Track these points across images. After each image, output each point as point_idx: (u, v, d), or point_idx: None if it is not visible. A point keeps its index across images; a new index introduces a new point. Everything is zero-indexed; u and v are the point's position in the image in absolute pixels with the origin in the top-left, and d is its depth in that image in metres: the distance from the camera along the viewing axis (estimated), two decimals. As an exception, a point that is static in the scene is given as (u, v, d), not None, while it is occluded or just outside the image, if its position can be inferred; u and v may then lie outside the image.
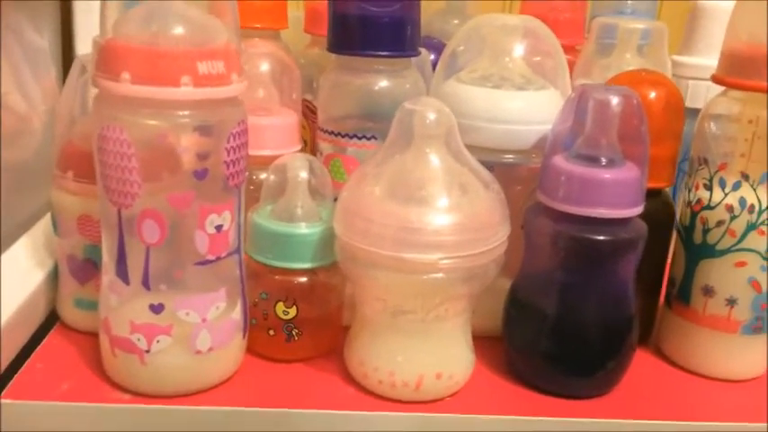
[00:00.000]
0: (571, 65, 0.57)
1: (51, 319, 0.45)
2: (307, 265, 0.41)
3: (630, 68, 0.48)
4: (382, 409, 0.39)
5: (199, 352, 0.37)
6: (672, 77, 0.57)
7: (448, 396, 0.40)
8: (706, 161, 0.42)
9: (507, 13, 0.49)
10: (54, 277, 0.45)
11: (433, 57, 0.52)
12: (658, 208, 0.44)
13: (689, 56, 0.59)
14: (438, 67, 0.45)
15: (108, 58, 0.33)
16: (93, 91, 0.36)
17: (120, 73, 0.32)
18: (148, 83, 0.32)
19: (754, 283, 0.41)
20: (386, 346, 0.39)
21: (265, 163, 0.43)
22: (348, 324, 0.42)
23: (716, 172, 0.41)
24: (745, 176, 0.40)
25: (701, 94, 0.56)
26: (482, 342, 0.43)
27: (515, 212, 0.41)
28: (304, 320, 0.41)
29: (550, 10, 0.59)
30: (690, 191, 0.43)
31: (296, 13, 0.57)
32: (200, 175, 0.35)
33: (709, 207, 0.42)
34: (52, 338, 0.43)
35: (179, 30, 0.33)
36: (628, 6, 0.62)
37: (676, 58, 0.59)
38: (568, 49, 0.58)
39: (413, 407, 0.39)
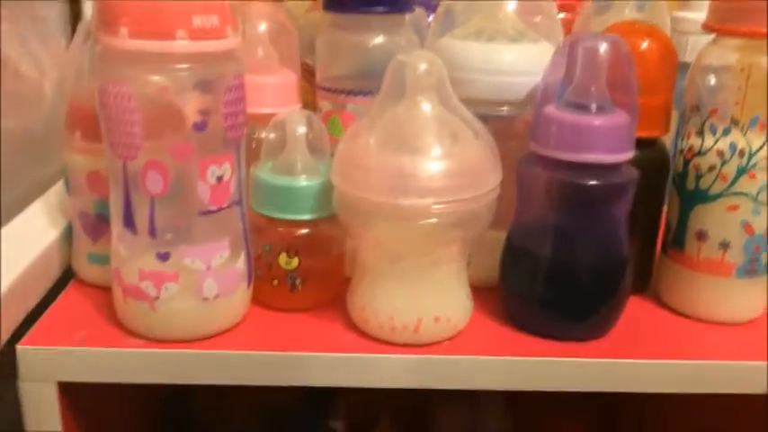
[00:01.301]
0: (571, 22, 0.57)
1: (68, 276, 0.47)
2: (307, 217, 0.42)
3: (629, 22, 0.49)
4: (383, 351, 0.40)
5: (206, 299, 0.39)
6: (672, 33, 0.58)
7: (446, 339, 0.41)
8: (698, 108, 0.43)
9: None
10: (68, 235, 0.46)
11: (430, 18, 0.53)
12: (653, 157, 0.45)
13: (689, 11, 0.59)
14: (432, 25, 0.46)
15: (107, 14, 0.34)
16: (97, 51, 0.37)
17: (118, 28, 0.34)
18: (145, 37, 0.34)
19: (747, 226, 0.42)
20: (385, 292, 0.40)
21: (266, 121, 0.44)
22: (350, 275, 0.44)
23: (707, 119, 0.42)
24: (735, 122, 0.41)
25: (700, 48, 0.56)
26: (480, 292, 0.44)
27: (511, 167, 0.42)
28: (306, 270, 0.43)
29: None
30: (683, 139, 0.44)
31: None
32: (200, 127, 0.36)
33: (700, 153, 0.43)
34: (68, 293, 0.45)
35: (175, -16, 0.35)
36: (629, -37, 0.62)
37: (677, 14, 0.59)
38: (567, 7, 0.59)
39: (412, 350, 0.40)
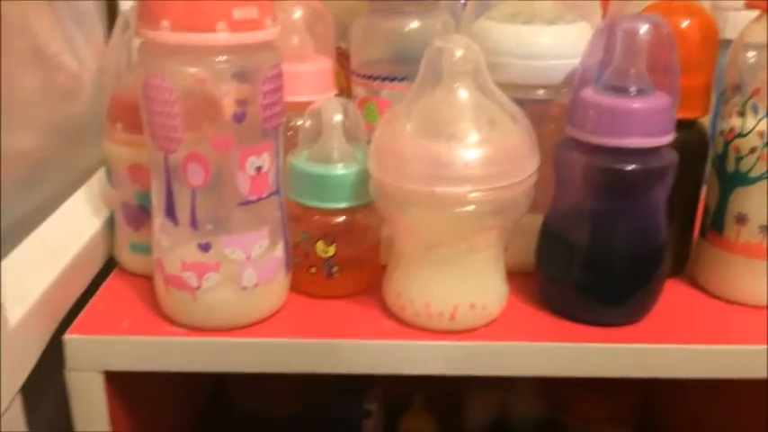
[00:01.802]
0: (606, 4, 0.56)
1: (110, 265, 0.48)
2: (344, 205, 0.42)
3: (666, 1, 0.48)
4: (420, 338, 0.41)
5: (245, 288, 0.40)
6: (711, 9, 0.57)
7: (482, 326, 0.42)
8: (739, 88, 0.42)
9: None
10: (110, 225, 0.47)
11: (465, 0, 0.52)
12: (692, 139, 0.44)
13: (728, -14, 0.57)
14: (469, 6, 0.46)
15: (148, 8, 0.35)
16: (138, 44, 0.38)
17: (159, 21, 0.34)
18: (187, 30, 0.34)
19: (789, 210, 0.41)
20: (421, 279, 0.40)
21: (302, 109, 0.44)
22: (385, 263, 0.44)
23: (749, 99, 0.41)
24: (779, 101, 0.40)
25: (740, 25, 0.55)
26: (516, 278, 0.44)
27: (548, 151, 0.41)
28: (343, 258, 0.43)
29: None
30: (723, 120, 0.43)
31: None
32: (239, 118, 0.37)
33: (741, 135, 0.42)
34: (112, 282, 0.46)
35: (212, -23, 0.35)
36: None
37: (715, -11, 0.58)
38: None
39: (448, 336, 0.41)
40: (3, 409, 0.34)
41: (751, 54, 0.42)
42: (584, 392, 0.69)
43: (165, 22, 0.34)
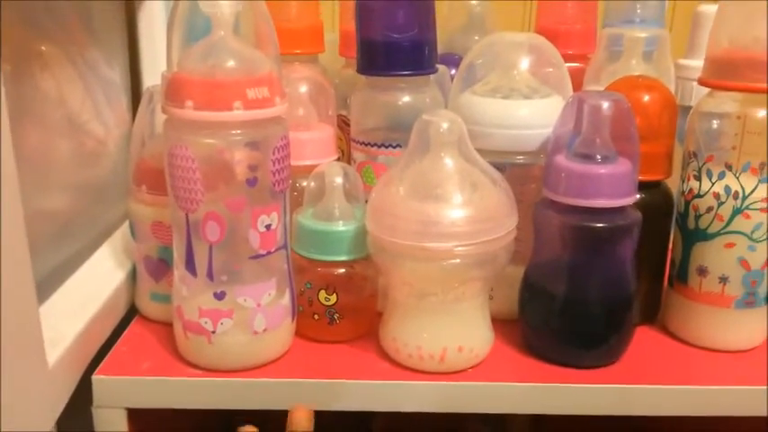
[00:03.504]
0: (583, 71, 0.62)
1: (131, 313, 0.52)
2: (344, 258, 0.47)
3: (635, 73, 0.53)
4: (412, 379, 0.45)
5: (256, 332, 0.44)
6: (677, 79, 0.63)
7: (469, 368, 0.46)
8: (695, 155, 0.47)
9: (516, 32, 0.55)
10: (132, 276, 0.52)
11: (453, 72, 0.58)
12: (658, 198, 0.49)
13: (692, 59, 0.63)
14: (455, 81, 0.52)
15: (174, 90, 0.40)
16: (161, 117, 0.43)
17: (184, 101, 0.40)
18: (207, 108, 0.39)
19: (743, 262, 0.46)
20: (413, 325, 0.45)
21: (306, 172, 0.49)
22: (381, 310, 0.49)
23: (703, 164, 0.46)
24: (729, 167, 0.45)
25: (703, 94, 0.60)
26: (501, 325, 0.49)
27: (530, 207, 0.46)
28: (343, 306, 0.48)
29: (563, 22, 0.65)
30: (683, 182, 0.48)
31: (331, 35, 0.64)
32: (252, 182, 0.42)
33: (699, 195, 0.47)
34: (133, 328, 0.50)
35: (231, 63, 0.40)
36: (637, 15, 0.67)
37: (681, 61, 0.64)
38: (581, 57, 0.63)
39: (439, 377, 0.45)
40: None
41: (705, 124, 0.47)
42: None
43: (189, 102, 0.40)
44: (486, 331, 0.47)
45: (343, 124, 0.59)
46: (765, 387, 0.45)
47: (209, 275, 0.43)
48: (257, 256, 0.43)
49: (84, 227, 0.54)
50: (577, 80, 0.57)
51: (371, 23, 0.48)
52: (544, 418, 0.66)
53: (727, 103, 0.46)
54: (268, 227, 0.43)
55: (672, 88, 0.57)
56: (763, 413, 0.45)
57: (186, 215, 0.42)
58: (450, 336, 0.45)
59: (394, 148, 0.49)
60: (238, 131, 0.41)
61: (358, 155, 0.51)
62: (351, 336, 0.49)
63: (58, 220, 0.50)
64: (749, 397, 0.45)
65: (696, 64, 0.62)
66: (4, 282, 0.34)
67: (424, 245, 0.42)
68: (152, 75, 0.60)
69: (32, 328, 0.38)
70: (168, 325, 0.48)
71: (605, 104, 0.44)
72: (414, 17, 0.48)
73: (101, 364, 0.45)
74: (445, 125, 0.43)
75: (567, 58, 0.52)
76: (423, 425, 0.70)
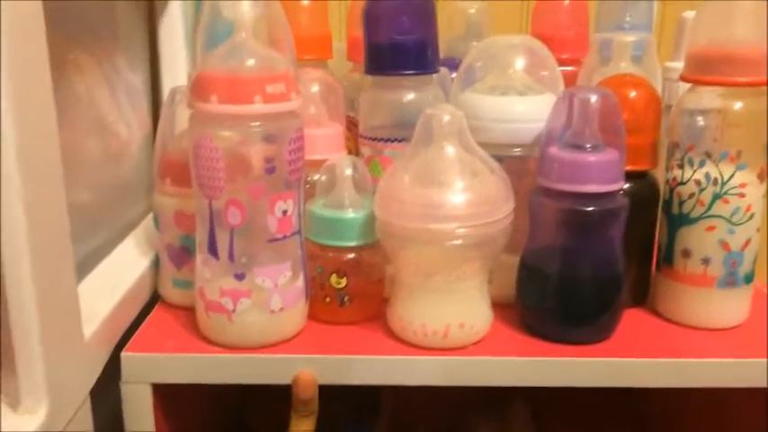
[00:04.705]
0: (576, 74, 0.66)
1: (153, 300, 0.56)
2: (353, 244, 0.51)
3: (624, 73, 0.57)
4: (417, 354, 0.48)
5: (273, 311, 0.48)
6: (664, 81, 0.67)
7: (471, 343, 0.49)
8: (678, 145, 0.51)
9: (512, 35, 0.59)
10: (155, 265, 0.56)
11: (454, 74, 0.62)
12: (644, 187, 0.53)
13: (678, 61, 0.67)
14: (455, 81, 0.56)
15: (200, 86, 0.44)
16: (183, 115, 0.47)
17: (209, 96, 0.43)
18: (230, 102, 0.43)
19: (724, 244, 0.50)
20: (419, 303, 0.49)
21: (318, 166, 0.53)
22: (388, 296, 0.52)
23: (685, 153, 0.50)
24: (708, 155, 0.49)
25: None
26: (500, 307, 0.52)
27: (526, 198, 0.50)
28: (353, 289, 0.51)
29: (557, 28, 0.69)
30: (668, 171, 0.52)
31: (339, 44, 0.68)
32: (270, 171, 0.46)
33: (682, 183, 0.51)
34: (157, 312, 0.54)
35: (251, 62, 0.44)
36: (626, 21, 0.71)
37: (668, 64, 0.68)
38: (574, 61, 0.67)
39: (442, 352, 0.48)
40: (77, 406, 0.42)
41: (687, 117, 0.51)
42: (579, 425, 0.75)
43: (214, 97, 0.43)
44: (485, 310, 0.50)
45: (350, 124, 0.63)
46: (748, 360, 0.48)
47: (231, 257, 0.47)
48: (274, 240, 0.47)
49: (109, 221, 0.57)
50: (570, 83, 0.61)
51: (378, 27, 0.52)
52: (543, 412, 0.70)
53: (707, 97, 0.50)
54: (284, 212, 0.47)
55: (659, 89, 0.61)
56: (745, 385, 0.48)
57: (210, 202, 0.46)
58: (452, 313, 0.48)
59: (399, 142, 0.53)
60: (258, 124, 0.45)
61: (366, 149, 0.55)
62: (360, 317, 0.52)
63: (86, 214, 0.54)
64: (732, 370, 0.48)
65: (681, 66, 0.66)
66: (50, 264, 0.38)
67: (428, 227, 0.46)
68: (171, 79, 0.64)
69: (72, 305, 0.42)
70: (189, 309, 0.51)
71: (594, 98, 0.48)
72: (416, 21, 0.52)
73: (128, 343, 0.49)
74: (447, 117, 0.47)
75: (560, 62, 0.56)
76: (429, 416, 0.74)
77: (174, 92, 0.54)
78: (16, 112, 0.34)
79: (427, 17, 0.52)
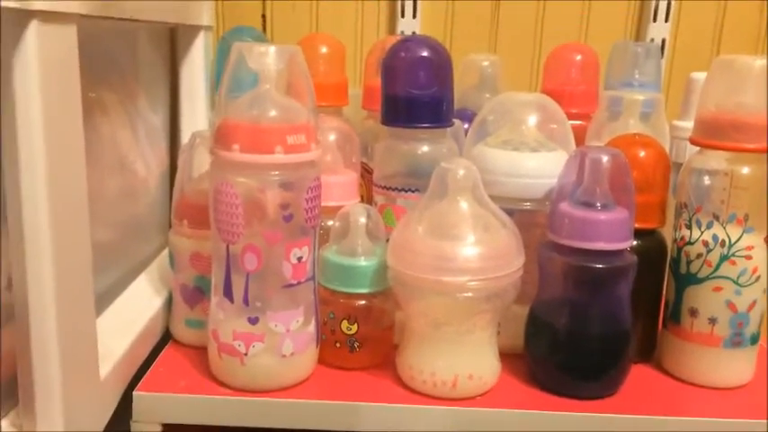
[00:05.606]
0: (585, 129, 0.68)
1: (164, 339, 0.57)
2: (365, 291, 0.52)
3: (633, 132, 0.59)
4: (426, 403, 0.49)
5: (284, 356, 0.48)
6: (672, 139, 0.68)
7: (479, 395, 0.50)
8: (686, 206, 0.52)
9: (525, 92, 0.61)
10: (168, 303, 0.57)
11: (467, 125, 0.63)
12: (653, 245, 0.54)
13: (685, 120, 0.69)
14: (469, 134, 0.57)
15: (223, 134, 0.45)
16: (201, 158, 0.48)
17: (231, 145, 0.45)
18: (252, 151, 0.45)
19: (731, 305, 0.51)
20: (428, 353, 0.49)
21: (332, 212, 0.54)
22: (398, 343, 0.53)
23: (693, 214, 0.51)
24: (716, 217, 0.50)
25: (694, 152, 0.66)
26: (508, 358, 0.53)
27: (535, 251, 0.51)
28: (363, 335, 0.52)
29: (568, 83, 0.71)
30: (676, 230, 0.53)
31: (354, 90, 0.70)
32: (287, 218, 0.47)
33: (690, 243, 0.52)
34: (168, 351, 0.55)
35: (273, 113, 0.46)
36: (635, 80, 0.73)
37: (676, 122, 0.69)
38: (583, 116, 0.69)
39: (451, 402, 0.49)
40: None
41: (695, 179, 0.52)
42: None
43: (236, 146, 0.45)
44: (494, 361, 0.51)
45: (364, 171, 0.65)
46: (751, 420, 0.49)
47: (245, 301, 0.48)
48: (289, 286, 0.48)
49: (124, 258, 0.58)
50: (580, 137, 0.62)
51: (396, 81, 0.54)
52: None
53: (715, 160, 0.51)
54: (299, 259, 0.48)
55: (667, 147, 0.63)
56: (747, 445, 0.49)
57: (227, 246, 0.47)
58: (462, 364, 0.49)
59: (412, 192, 0.54)
60: (278, 173, 0.46)
61: (379, 198, 0.56)
62: (369, 363, 0.53)
63: (103, 250, 0.55)
64: (734, 430, 0.49)
65: (689, 125, 0.67)
66: (73, 304, 0.38)
67: (440, 278, 0.47)
68: (190, 119, 0.66)
69: (91, 344, 0.42)
70: (200, 349, 0.52)
71: (605, 158, 0.49)
72: (433, 77, 0.53)
73: (140, 382, 0.49)
74: (462, 172, 0.48)
75: (570, 117, 0.58)
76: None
77: (194, 136, 0.55)
78: (49, 151, 0.35)
79: (444, 73, 0.54)
